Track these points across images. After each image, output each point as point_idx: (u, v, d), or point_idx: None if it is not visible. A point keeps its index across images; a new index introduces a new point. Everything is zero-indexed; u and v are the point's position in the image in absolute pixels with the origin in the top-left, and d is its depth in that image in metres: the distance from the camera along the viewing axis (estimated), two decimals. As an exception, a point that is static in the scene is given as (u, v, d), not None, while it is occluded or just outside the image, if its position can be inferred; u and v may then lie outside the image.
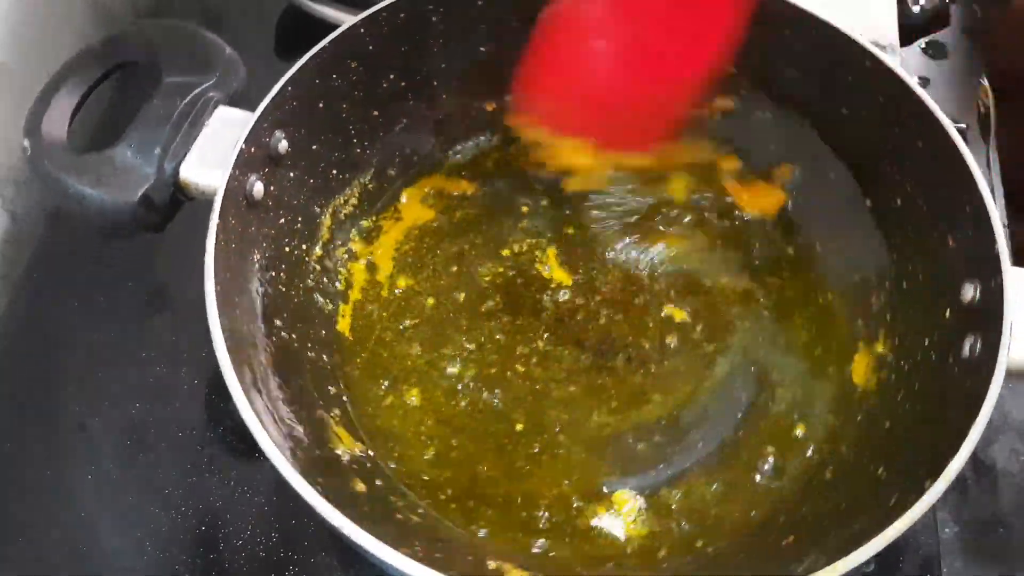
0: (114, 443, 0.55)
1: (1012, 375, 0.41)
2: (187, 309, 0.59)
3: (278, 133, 0.51)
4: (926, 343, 0.48)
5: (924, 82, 0.51)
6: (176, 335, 0.59)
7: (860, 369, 0.52)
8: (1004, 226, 0.44)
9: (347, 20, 0.54)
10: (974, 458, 0.52)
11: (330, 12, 0.68)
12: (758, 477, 0.50)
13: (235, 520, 0.52)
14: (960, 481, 0.40)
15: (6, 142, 0.65)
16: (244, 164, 0.49)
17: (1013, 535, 0.52)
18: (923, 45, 0.73)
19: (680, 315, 0.56)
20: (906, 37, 0.65)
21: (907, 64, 0.51)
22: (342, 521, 0.38)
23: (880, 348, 0.52)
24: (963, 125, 0.49)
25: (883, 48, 0.57)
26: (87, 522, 0.52)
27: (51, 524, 0.52)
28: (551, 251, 0.59)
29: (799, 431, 0.52)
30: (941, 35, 0.72)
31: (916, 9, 0.65)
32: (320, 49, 0.53)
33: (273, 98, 0.50)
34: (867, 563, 0.37)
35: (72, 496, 0.53)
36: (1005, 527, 0.52)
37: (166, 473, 0.53)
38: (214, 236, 0.45)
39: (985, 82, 0.70)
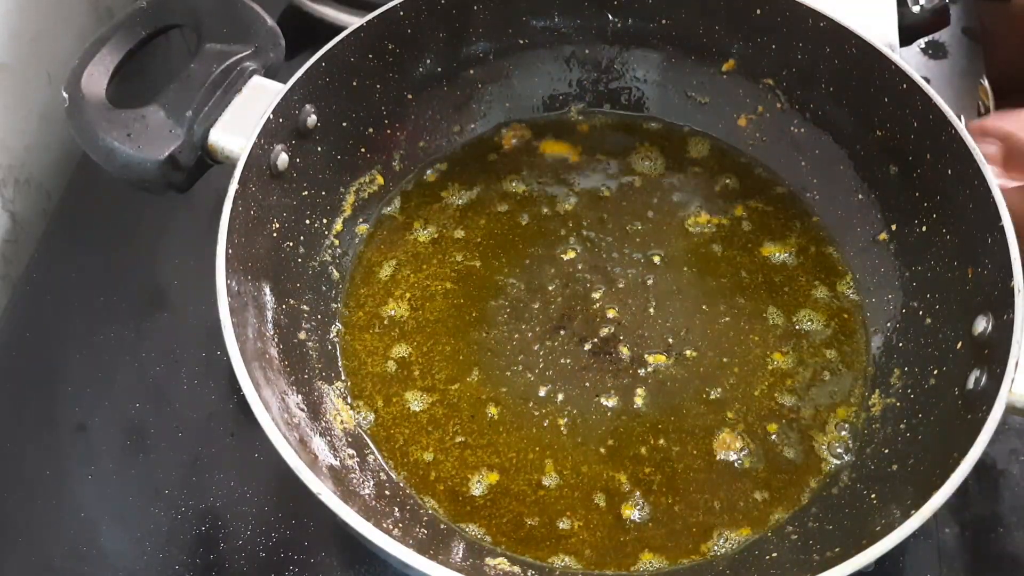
0: (114, 443, 0.55)
1: (1014, 412, 0.41)
2: (187, 309, 0.60)
3: (308, 107, 0.52)
4: (935, 373, 0.48)
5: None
6: (176, 335, 0.59)
7: (874, 396, 0.52)
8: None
9: (348, 20, 0.54)
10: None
11: (330, 12, 0.68)
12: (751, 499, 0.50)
13: (235, 520, 0.52)
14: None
15: (6, 142, 0.65)
16: (270, 134, 0.49)
17: (1013, 535, 0.52)
18: (923, 45, 0.73)
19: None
20: (906, 37, 0.65)
21: (907, 64, 0.51)
22: (320, 487, 0.39)
23: (892, 376, 0.51)
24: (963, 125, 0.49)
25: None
26: (87, 522, 0.52)
27: (51, 524, 0.52)
28: (572, 254, 0.58)
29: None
30: (941, 35, 0.72)
31: (916, 9, 0.65)
32: (357, 28, 0.53)
33: (306, 72, 0.51)
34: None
35: (72, 496, 0.53)
36: (1005, 527, 0.52)
37: (166, 473, 0.53)
38: (232, 201, 0.46)
39: (985, 82, 0.70)
